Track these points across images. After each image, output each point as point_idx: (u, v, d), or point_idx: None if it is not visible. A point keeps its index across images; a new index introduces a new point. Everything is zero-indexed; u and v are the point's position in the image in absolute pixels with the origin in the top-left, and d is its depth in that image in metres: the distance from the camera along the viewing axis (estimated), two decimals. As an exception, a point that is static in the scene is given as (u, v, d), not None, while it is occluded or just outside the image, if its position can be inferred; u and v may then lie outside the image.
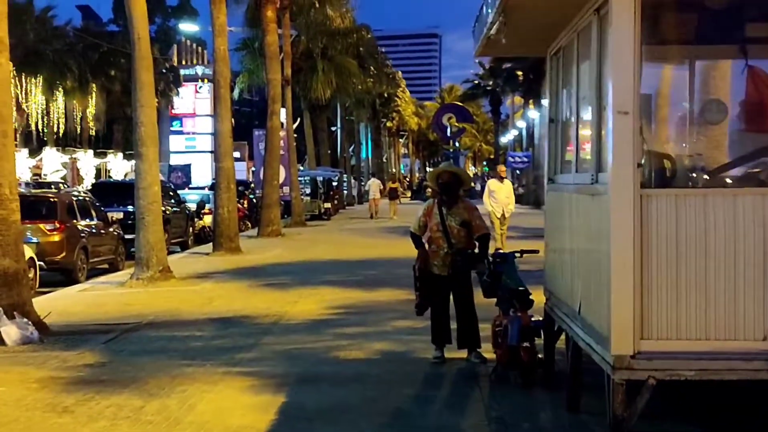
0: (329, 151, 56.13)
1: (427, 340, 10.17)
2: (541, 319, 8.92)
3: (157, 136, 18.25)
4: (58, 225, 18.29)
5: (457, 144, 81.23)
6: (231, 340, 11.23)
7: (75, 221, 19.06)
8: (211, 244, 24.89)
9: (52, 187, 37.87)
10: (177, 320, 12.91)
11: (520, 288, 8.94)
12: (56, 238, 18.21)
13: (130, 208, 20.79)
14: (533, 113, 59.77)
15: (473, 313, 9.82)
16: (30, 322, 11.30)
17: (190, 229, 28.02)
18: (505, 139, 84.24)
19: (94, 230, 19.86)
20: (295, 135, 38.69)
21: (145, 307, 14.25)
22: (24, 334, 11.09)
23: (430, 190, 22.68)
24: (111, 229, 20.89)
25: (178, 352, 10.49)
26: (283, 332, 11.79)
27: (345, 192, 54.10)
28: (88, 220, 19.78)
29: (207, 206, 30.23)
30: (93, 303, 14.98)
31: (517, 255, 9.56)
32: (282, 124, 33.52)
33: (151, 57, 18.19)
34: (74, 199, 19.89)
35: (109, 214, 21.58)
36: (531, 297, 8.86)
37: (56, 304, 14.54)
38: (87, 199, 20.87)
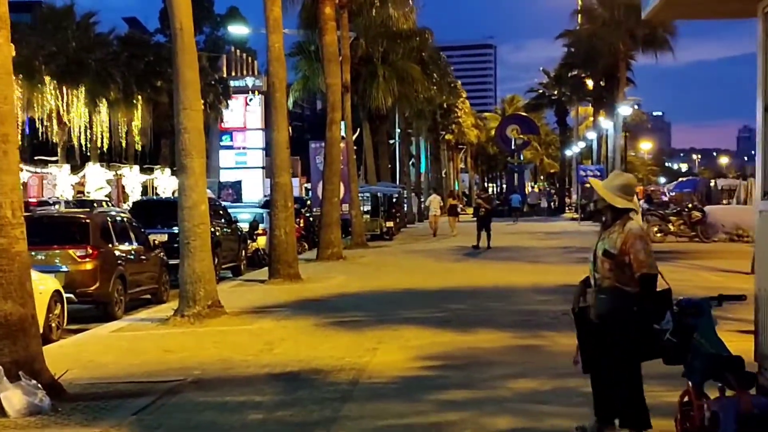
0: (389, 166, 53.51)
1: (565, 411, 7.58)
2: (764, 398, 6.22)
3: (203, 146, 15.80)
4: (90, 251, 15.90)
5: (521, 157, 79.17)
6: (301, 409, 8.63)
7: (111, 245, 16.68)
8: (266, 269, 22.42)
9: (95, 205, 35.86)
10: (230, 376, 10.35)
11: (730, 355, 6.25)
12: (89, 266, 15.84)
13: (175, 229, 18.18)
14: (606, 123, 56.73)
15: (622, 379, 7.09)
16: (39, 385, 8.77)
17: (243, 252, 25.55)
18: (570, 152, 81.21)
19: (133, 256, 17.48)
20: (354, 147, 36.12)
21: (191, 355, 11.74)
22: (31, 401, 8.58)
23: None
24: (153, 254, 18.49)
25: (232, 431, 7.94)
26: (368, 397, 9.16)
27: (405, 209, 51.44)
28: (126, 244, 17.42)
29: (261, 226, 27.80)
30: (127, 349, 12.48)
31: (714, 303, 6.82)
32: (342, 136, 31.00)
33: (196, 52, 15.72)
34: (110, 219, 17.48)
35: (152, 237, 19.22)
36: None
37: (82, 351, 12.13)
38: (125, 219, 18.48)
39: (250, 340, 12.90)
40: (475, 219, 33.76)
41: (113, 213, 19.60)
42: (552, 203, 79.65)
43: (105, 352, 12.21)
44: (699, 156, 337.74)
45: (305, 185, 69.18)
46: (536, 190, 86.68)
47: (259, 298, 17.91)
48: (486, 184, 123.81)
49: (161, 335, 13.66)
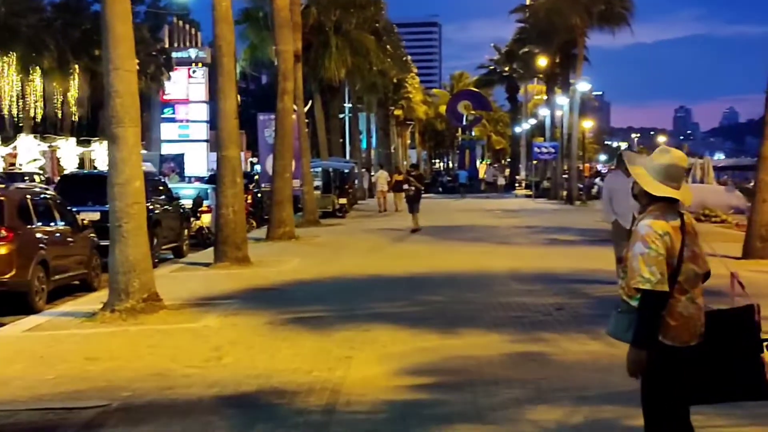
0: (340, 140, 51.05)
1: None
2: None
3: (138, 113, 13.35)
4: (5, 233, 13.44)
5: (472, 133, 77.21)
6: (262, 455, 6.38)
7: (30, 226, 14.23)
8: (211, 250, 20.03)
9: (26, 179, 33.13)
10: (168, 400, 8.02)
11: None
12: (3, 250, 13.40)
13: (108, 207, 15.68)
14: (562, 99, 54.82)
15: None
16: None
17: (185, 231, 23.07)
18: (520, 129, 79.42)
19: (57, 238, 15.04)
20: (305, 120, 33.66)
21: (120, 366, 9.39)
22: None
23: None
24: (82, 236, 16.06)
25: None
26: (350, 434, 6.95)
27: (356, 185, 49.12)
28: (49, 224, 14.96)
29: (205, 203, 25.31)
30: (41, 356, 10.05)
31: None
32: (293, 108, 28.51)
33: (129, 1, 13.24)
34: (30, 196, 14.95)
35: (82, 215, 16.79)
36: None
37: (-17, 360, 9.70)
38: (49, 196, 15.96)
39: (194, 345, 10.56)
40: (429, 196, 31.47)
41: (36, 189, 17.00)
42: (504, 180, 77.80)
43: (12, 360, 9.81)
44: (638, 135, 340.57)
45: (251, 160, 66.63)
46: (494, 166, 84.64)
47: (203, 287, 15.54)
48: (433, 161, 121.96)
49: (85, 336, 11.24)
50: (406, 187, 29.27)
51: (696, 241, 5.05)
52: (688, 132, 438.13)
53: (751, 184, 49.45)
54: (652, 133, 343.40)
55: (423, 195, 29.71)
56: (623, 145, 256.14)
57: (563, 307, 12.70)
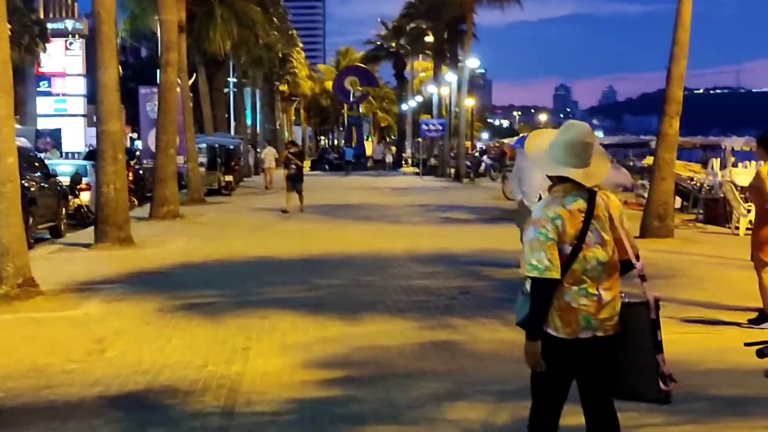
0: (225, 116, 49.71)
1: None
2: None
3: (11, 82, 12.26)
4: None
5: (360, 110, 76.58)
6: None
7: None
8: (91, 229, 18.88)
9: None
10: (46, 402, 7.16)
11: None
12: None
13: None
14: (450, 76, 54.62)
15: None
16: None
17: (63, 210, 21.79)
18: (407, 106, 79.11)
19: None
20: (190, 95, 32.43)
21: (-10, 362, 8.46)
22: None
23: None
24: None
25: None
26: (254, 441, 6.25)
27: (242, 162, 47.91)
28: None
29: (84, 180, 24.02)
30: None
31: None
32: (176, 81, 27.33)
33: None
34: None
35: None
36: None
37: None
38: None
39: (75, 335, 9.65)
40: (315, 173, 30.54)
41: None
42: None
43: None
44: (519, 113, 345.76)
45: (131, 135, 64.66)
46: (382, 143, 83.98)
47: (84, 270, 14.50)
48: (319, 138, 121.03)
49: (-48, 328, 10.24)
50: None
51: (609, 226, 4.59)
52: (568, 110, 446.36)
53: (632, 162, 50.24)
54: (533, 110, 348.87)
55: (310, 173, 28.93)
56: (505, 123, 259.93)
57: (468, 290, 12.21)
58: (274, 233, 20.41)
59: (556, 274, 4.44)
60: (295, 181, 26.28)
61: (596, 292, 4.52)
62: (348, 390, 7.40)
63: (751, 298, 10.39)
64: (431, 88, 65.17)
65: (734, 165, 25.18)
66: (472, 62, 50.27)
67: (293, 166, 26.58)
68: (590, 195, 4.58)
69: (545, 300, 4.50)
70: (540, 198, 13.08)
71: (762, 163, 10.55)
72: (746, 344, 4.13)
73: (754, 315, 9.87)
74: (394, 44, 74.38)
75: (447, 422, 6.55)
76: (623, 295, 4.71)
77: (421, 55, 74.29)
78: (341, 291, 12.34)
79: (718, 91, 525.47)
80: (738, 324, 9.83)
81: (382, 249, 17.06)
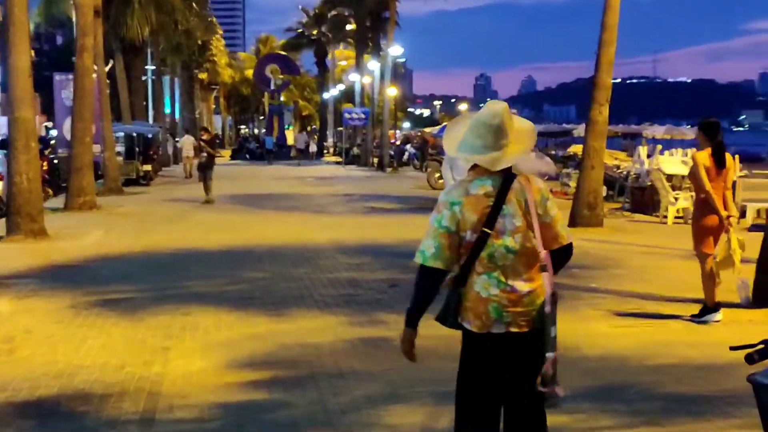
0: (144, 104, 48.54)
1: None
2: None
3: None
4: None
5: (281, 98, 75.69)
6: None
7: None
8: (2, 222, 18.06)
9: None
10: (-54, 411, 6.60)
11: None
12: None
13: None
14: (373, 65, 54.18)
15: None
16: None
17: (-29, 201, 20.86)
18: (329, 94, 78.51)
19: None
20: (107, 82, 31.44)
21: None
22: None
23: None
24: None
25: None
26: (177, 451, 5.77)
27: (161, 151, 46.84)
28: None
29: (-6, 170, 23.04)
30: None
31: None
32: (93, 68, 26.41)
33: None
34: None
35: None
36: None
37: None
38: None
39: (-18, 336, 9.04)
40: (236, 162, 29.59)
41: None
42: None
43: None
44: (440, 102, 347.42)
45: (46, 124, 62.95)
46: (305, 132, 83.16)
47: (-6, 265, 13.80)
48: (239, 126, 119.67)
49: None
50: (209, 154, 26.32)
51: (523, 213, 4.19)
52: (488, 99, 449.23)
53: (553, 151, 50.53)
54: (453, 100, 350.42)
55: (231, 162, 28.07)
56: (426, 113, 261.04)
57: (397, 283, 11.79)
58: (196, 224, 19.78)
59: (440, 264, 4.16)
60: (204, 169, 25.19)
61: (508, 283, 4.16)
62: (277, 393, 6.95)
63: (690, 288, 10.22)
64: (353, 77, 64.63)
65: (661, 153, 25.27)
66: (395, 50, 49.88)
67: (204, 154, 25.49)
68: (505, 179, 4.22)
69: (425, 288, 4.29)
70: None
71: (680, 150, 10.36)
72: (732, 348, 3.79)
73: (696, 308, 9.64)
74: (315, 32, 73.69)
75: (385, 427, 6.16)
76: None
77: (342, 44, 73.73)
78: (267, 284, 11.85)
79: (635, 80, 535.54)
80: (679, 317, 9.61)
81: (307, 240, 16.61)
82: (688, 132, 44.92)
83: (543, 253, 4.18)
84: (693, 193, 21.22)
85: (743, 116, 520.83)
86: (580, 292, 11.10)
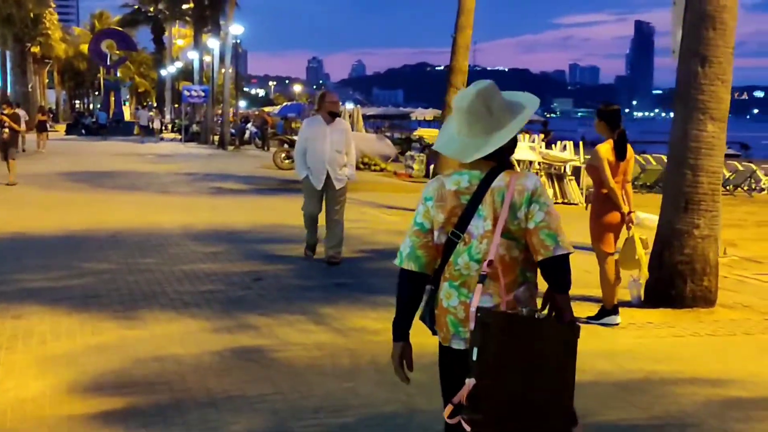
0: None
1: None
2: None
3: None
4: None
5: (117, 74, 72.01)
6: None
7: None
8: None
9: None
10: None
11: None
12: None
13: None
14: (213, 42, 51.77)
15: None
16: None
17: None
18: (166, 72, 75.27)
19: None
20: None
21: None
22: None
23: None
24: None
25: None
26: None
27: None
28: None
29: None
30: None
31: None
32: None
33: None
34: None
35: None
36: None
37: None
38: None
39: None
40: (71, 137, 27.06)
41: None
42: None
43: None
44: (274, 83, 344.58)
45: None
46: (146, 108, 79.42)
47: None
48: (74, 102, 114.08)
49: None
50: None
51: (495, 215, 3.43)
52: (321, 82, 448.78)
53: (389, 133, 49.69)
54: (287, 81, 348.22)
55: (66, 137, 25.50)
56: (261, 93, 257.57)
57: (262, 276, 10.26)
58: (26, 204, 17.48)
59: (413, 265, 3.54)
60: (7, 147, 21.75)
61: (469, 295, 3.45)
62: (133, 428, 5.34)
63: (583, 285, 9.09)
64: (192, 54, 61.89)
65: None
66: (235, 29, 47.74)
67: (6, 129, 21.88)
68: (490, 172, 3.48)
69: (402, 294, 3.59)
70: (329, 176, 11.13)
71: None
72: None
73: (590, 307, 8.55)
74: (152, 9, 70.34)
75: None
76: (524, 309, 3.40)
77: (179, 21, 70.68)
78: (113, 278, 10.06)
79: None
80: (576, 319, 8.44)
81: (153, 224, 14.78)
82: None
83: (486, 262, 3.41)
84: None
85: (555, 104, 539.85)
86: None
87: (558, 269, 3.45)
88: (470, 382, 3.26)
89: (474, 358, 3.26)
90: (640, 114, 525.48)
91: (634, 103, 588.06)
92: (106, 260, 11.25)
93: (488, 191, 3.44)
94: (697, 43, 8.75)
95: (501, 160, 3.51)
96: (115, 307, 8.58)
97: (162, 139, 57.47)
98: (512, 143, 3.55)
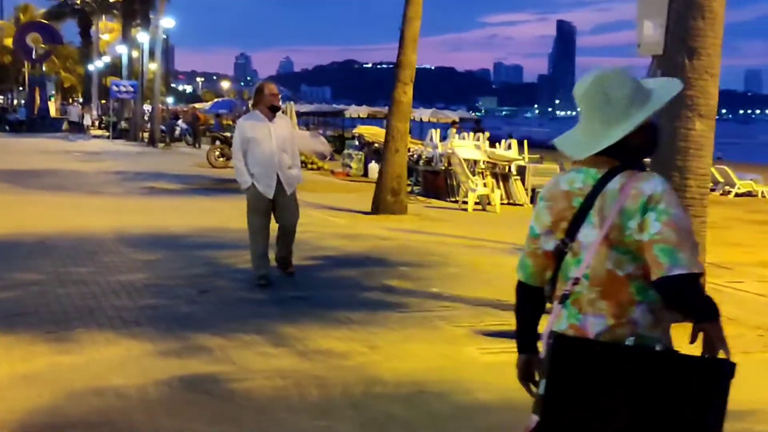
0: None
1: None
2: None
3: None
4: None
5: (43, 68, 69.73)
6: None
7: None
8: None
9: None
10: None
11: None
12: None
13: None
14: (143, 36, 50.18)
15: None
16: None
17: None
18: (93, 66, 73.11)
19: None
20: None
21: None
22: None
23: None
24: None
25: None
26: None
27: None
28: None
29: None
30: None
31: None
32: None
33: None
34: None
35: None
36: None
37: None
38: None
39: None
40: None
41: None
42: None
43: None
44: (202, 79, 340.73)
45: None
46: (77, 104, 76.85)
47: None
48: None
49: None
50: None
51: (602, 222, 2.88)
52: (249, 78, 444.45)
53: (320, 130, 48.73)
54: (215, 77, 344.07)
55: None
56: (188, 89, 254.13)
57: (207, 288, 9.29)
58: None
59: (521, 275, 3.18)
60: None
61: (579, 316, 2.91)
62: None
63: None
64: (120, 49, 60.08)
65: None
66: (166, 22, 46.30)
67: None
68: (608, 172, 2.91)
69: (518, 306, 3.21)
70: (279, 182, 9.60)
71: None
72: None
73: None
74: (79, 1, 68.24)
75: None
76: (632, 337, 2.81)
77: (107, 15, 68.73)
78: (42, 291, 8.99)
79: (385, 66, 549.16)
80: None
81: (84, 228, 13.64)
82: (452, 115, 44.60)
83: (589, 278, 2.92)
84: (486, 180, 19.86)
85: (480, 102, 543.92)
86: (426, 299, 9.01)
87: (673, 292, 2.75)
88: (533, 419, 2.82)
89: (541, 391, 2.82)
90: (562, 113, 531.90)
91: (557, 102, 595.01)
92: (35, 270, 10.15)
93: (600, 194, 2.88)
94: (684, 33, 8.05)
95: (625, 158, 2.90)
96: (44, 326, 7.56)
97: (91, 135, 55.68)
98: (644, 139, 2.94)
